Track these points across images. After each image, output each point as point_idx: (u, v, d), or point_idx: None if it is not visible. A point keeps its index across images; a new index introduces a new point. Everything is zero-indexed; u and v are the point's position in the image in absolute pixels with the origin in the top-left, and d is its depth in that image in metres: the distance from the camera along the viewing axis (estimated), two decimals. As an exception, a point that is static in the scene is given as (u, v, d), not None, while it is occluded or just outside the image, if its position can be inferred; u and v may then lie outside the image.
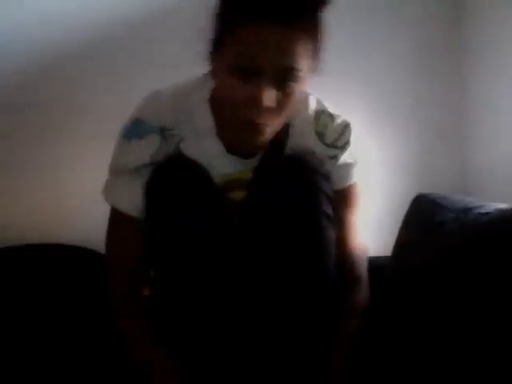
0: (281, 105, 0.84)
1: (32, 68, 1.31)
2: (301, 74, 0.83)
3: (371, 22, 1.44)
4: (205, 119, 0.94)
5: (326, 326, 0.92)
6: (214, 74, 0.89)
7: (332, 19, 1.28)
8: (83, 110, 1.33)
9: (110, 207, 0.97)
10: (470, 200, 1.08)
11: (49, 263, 1.23)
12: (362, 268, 1.00)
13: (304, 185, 0.91)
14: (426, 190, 1.20)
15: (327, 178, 0.95)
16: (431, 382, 0.92)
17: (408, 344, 0.99)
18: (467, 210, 1.02)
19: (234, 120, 0.86)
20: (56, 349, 1.10)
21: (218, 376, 0.90)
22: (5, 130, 1.31)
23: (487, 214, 0.97)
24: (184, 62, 1.29)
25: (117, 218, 0.96)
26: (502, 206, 0.99)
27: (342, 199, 0.98)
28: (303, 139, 0.97)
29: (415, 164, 1.52)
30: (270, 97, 0.82)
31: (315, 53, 0.85)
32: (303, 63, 0.82)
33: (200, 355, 0.91)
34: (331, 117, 0.98)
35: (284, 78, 0.82)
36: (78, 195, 1.33)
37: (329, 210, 0.93)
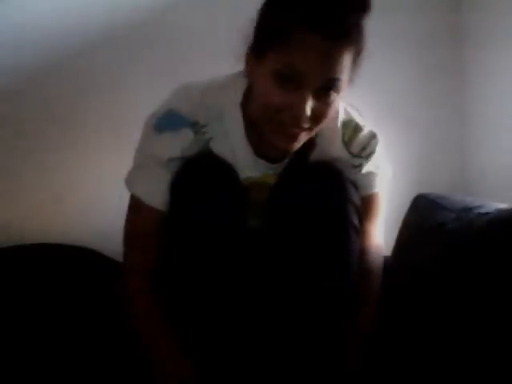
0: (320, 114, 0.84)
1: (31, 69, 1.31)
2: (343, 84, 0.83)
3: (373, 23, 1.44)
4: (235, 121, 0.93)
5: (338, 331, 0.92)
6: (250, 75, 0.88)
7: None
8: (84, 109, 1.33)
9: (122, 200, 0.94)
10: (470, 200, 1.08)
11: (49, 263, 1.22)
12: (377, 280, 0.99)
13: (332, 190, 0.90)
14: (425, 190, 1.20)
15: (355, 185, 0.94)
16: (432, 382, 0.92)
17: (408, 344, 0.99)
18: (467, 209, 1.02)
19: (269, 125, 0.85)
20: (56, 349, 1.10)
21: (230, 373, 0.90)
22: (5, 129, 1.31)
23: (487, 213, 0.97)
24: (183, 63, 1.31)
25: (139, 209, 0.93)
26: (502, 205, 0.99)
27: (363, 208, 0.97)
28: (329, 147, 0.97)
29: (415, 164, 1.52)
30: (311, 107, 0.81)
31: (356, 63, 0.85)
32: (345, 74, 0.82)
33: (212, 352, 0.90)
34: (358, 127, 0.98)
35: (326, 88, 0.81)
36: (78, 195, 1.33)
37: (356, 220, 0.92)
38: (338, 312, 0.92)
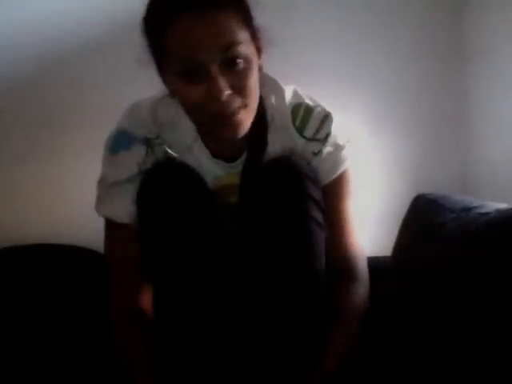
0: (241, 85, 0.82)
1: (28, 70, 1.31)
2: (243, 47, 0.81)
3: (372, 23, 1.44)
4: (187, 128, 0.94)
5: (319, 328, 0.92)
6: (171, 91, 0.88)
7: (333, 20, 1.28)
8: (81, 111, 1.33)
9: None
10: (470, 200, 1.08)
11: (49, 263, 1.22)
12: (360, 264, 0.99)
13: (291, 191, 0.90)
14: (425, 190, 1.20)
15: (314, 180, 0.93)
16: (432, 382, 0.92)
17: (408, 345, 0.99)
18: (467, 209, 1.02)
19: (209, 124, 0.85)
20: (56, 349, 1.10)
21: (212, 380, 0.91)
22: (5, 128, 1.31)
23: (487, 213, 0.96)
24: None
25: (114, 230, 0.96)
26: (502, 205, 0.99)
27: (332, 191, 0.97)
28: (283, 135, 0.96)
29: (415, 164, 1.52)
30: (224, 84, 0.80)
31: (247, 21, 0.83)
32: (240, 36, 0.80)
33: (193, 356, 0.91)
34: (309, 109, 0.96)
35: (229, 58, 0.80)
36: (78, 195, 1.33)
37: (317, 214, 0.92)
38: (310, 310, 0.92)
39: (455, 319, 0.91)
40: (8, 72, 1.30)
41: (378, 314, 0.99)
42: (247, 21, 0.83)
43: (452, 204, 1.08)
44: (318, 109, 0.96)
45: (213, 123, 0.85)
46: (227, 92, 0.80)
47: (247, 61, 0.82)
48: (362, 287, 0.98)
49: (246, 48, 0.81)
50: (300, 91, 0.98)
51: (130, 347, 0.92)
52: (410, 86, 1.50)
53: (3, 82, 1.30)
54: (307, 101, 0.96)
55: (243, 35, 0.81)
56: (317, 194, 0.93)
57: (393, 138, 1.49)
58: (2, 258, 1.22)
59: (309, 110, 0.96)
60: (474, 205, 1.03)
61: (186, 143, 0.94)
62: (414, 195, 1.19)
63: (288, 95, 0.96)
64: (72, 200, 1.34)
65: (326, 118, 0.96)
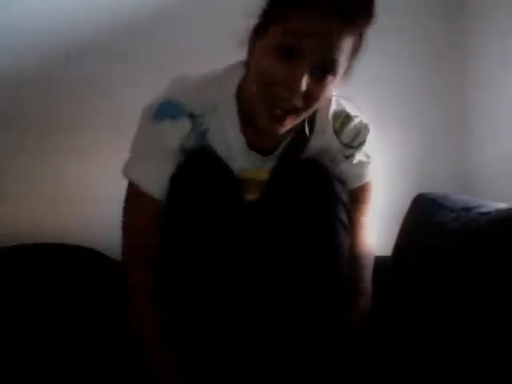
0: (313, 95, 0.83)
1: (33, 70, 1.31)
2: (339, 69, 0.82)
3: (373, 25, 1.44)
4: (229, 112, 0.93)
5: (334, 330, 0.92)
6: (252, 58, 0.87)
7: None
8: (85, 110, 1.33)
9: (126, 187, 0.94)
10: (470, 200, 1.08)
11: (49, 263, 1.22)
12: (368, 273, 1.00)
13: (322, 192, 0.92)
14: (426, 190, 1.20)
15: (344, 182, 0.96)
16: (431, 382, 0.92)
17: (408, 344, 0.99)
18: (467, 209, 1.02)
19: (261, 103, 0.85)
20: (56, 349, 1.10)
21: (224, 376, 0.90)
22: (6, 130, 1.31)
23: (487, 213, 0.97)
24: (187, 61, 1.31)
25: (136, 196, 0.93)
26: (502, 205, 1.00)
27: (354, 198, 0.99)
28: (323, 138, 0.98)
29: (416, 164, 1.52)
30: (307, 82, 0.81)
31: (354, 55, 0.85)
32: (344, 60, 0.82)
33: (206, 353, 0.90)
34: (349, 117, 0.99)
35: (323, 68, 0.81)
36: (79, 195, 1.33)
37: (344, 217, 0.93)
38: (332, 308, 0.92)
39: (456, 318, 0.91)
40: (9, 71, 1.30)
41: (378, 314, 0.99)
42: (357, 50, 0.85)
43: (452, 204, 1.08)
44: (357, 118, 1.00)
45: (264, 106, 0.85)
46: (302, 88, 0.81)
47: (333, 79, 0.83)
48: (364, 301, 0.97)
49: (340, 69, 0.83)
50: (341, 100, 1.00)
51: (151, 329, 0.90)
52: (411, 86, 1.50)
53: (4, 81, 1.30)
54: (348, 110, 1.00)
55: (346, 60, 0.83)
56: (345, 196, 0.95)
57: (393, 138, 1.49)
58: (2, 258, 1.22)
59: (348, 118, 0.99)
60: (474, 204, 1.03)
61: (224, 128, 0.94)
62: (414, 195, 1.19)
63: (333, 103, 0.99)
64: (73, 200, 1.34)
65: (364, 127, 1.00)
